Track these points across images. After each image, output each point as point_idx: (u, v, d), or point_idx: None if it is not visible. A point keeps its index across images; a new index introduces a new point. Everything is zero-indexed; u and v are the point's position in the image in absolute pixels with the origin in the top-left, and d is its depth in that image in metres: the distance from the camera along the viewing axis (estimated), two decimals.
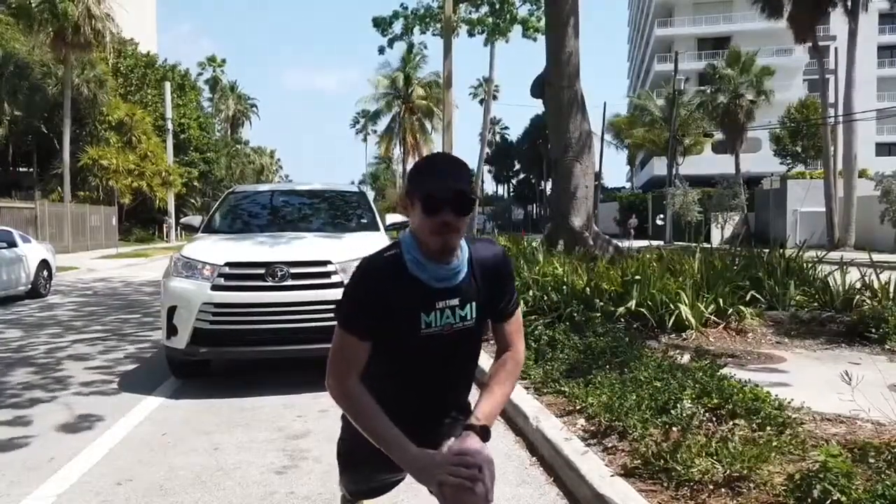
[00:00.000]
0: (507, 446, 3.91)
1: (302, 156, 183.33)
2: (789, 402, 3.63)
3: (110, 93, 33.34)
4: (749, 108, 31.88)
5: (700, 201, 30.25)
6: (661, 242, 21.47)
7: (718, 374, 4.03)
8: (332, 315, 1.82)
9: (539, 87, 11.47)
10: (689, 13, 52.65)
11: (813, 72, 37.01)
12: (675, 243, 20.69)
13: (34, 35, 28.63)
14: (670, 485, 2.88)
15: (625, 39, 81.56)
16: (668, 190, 32.74)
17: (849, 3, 23.34)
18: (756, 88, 31.95)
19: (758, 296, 7.04)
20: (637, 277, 6.60)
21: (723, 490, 2.78)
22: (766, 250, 8.25)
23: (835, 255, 9.99)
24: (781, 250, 8.14)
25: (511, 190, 73.37)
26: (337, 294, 4.76)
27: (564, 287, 7.02)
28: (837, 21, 29.44)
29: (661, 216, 34.61)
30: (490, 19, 21.22)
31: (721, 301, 6.41)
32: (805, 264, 7.84)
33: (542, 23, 17.13)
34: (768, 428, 3.30)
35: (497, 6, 20.63)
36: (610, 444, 3.47)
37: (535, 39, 20.85)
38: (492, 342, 1.95)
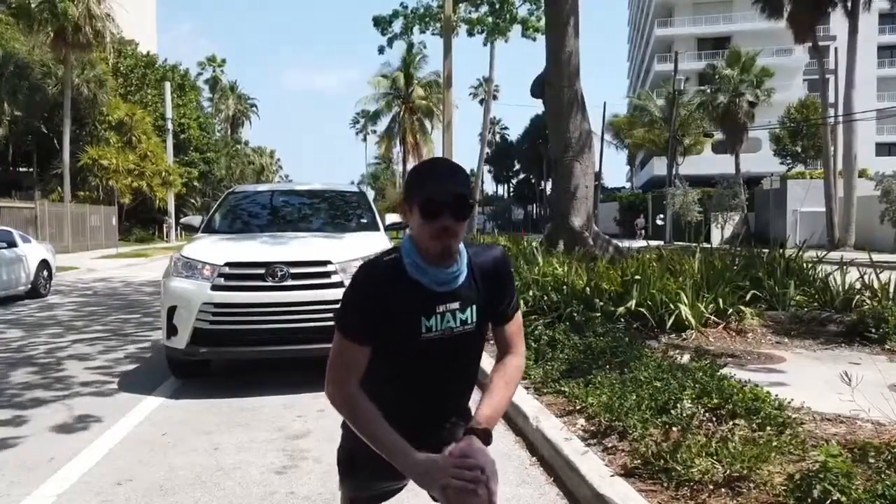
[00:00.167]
0: (507, 446, 3.91)
1: (302, 156, 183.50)
2: (789, 402, 3.63)
3: (110, 93, 33.34)
4: (749, 109, 31.88)
5: (700, 201, 30.24)
6: (661, 242, 21.47)
7: (718, 374, 4.03)
8: (332, 315, 1.82)
9: (539, 87, 11.47)
10: (689, 13, 52.64)
11: (813, 72, 37.00)
12: (675, 243, 20.69)
13: (34, 35, 28.63)
14: (670, 485, 2.88)
15: (625, 39, 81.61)
16: (668, 190, 32.74)
17: (849, 4, 23.34)
18: (756, 88, 31.95)
19: (758, 296, 7.04)
20: (637, 277, 6.60)
21: (723, 490, 2.78)
22: (766, 250, 8.25)
23: (835, 255, 9.99)
24: (781, 250, 8.14)
25: (511, 190, 73.38)
26: (337, 294, 4.79)
27: (564, 287, 7.02)
28: (837, 21, 29.46)
29: (661, 216, 34.61)
30: (490, 19, 21.24)
31: (721, 301, 6.41)
32: (805, 264, 7.84)
33: (542, 22, 17.14)
34: (768, 428, 3.30)
35: (497, 6, 20.64)
36: (610, 444, 3.47)
37: (534, 39, 20.88)
38: (492, 343, 1.95)
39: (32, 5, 27.15)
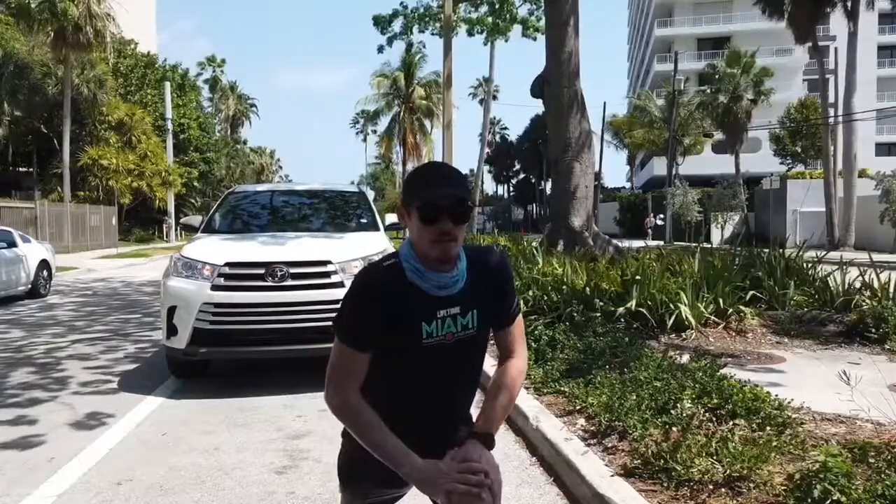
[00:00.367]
0: (507, 446, 3.90)
1: (302, 156, 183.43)
2: (789, 402, 3.63)
3: (110, 93, 33.31)
4: (749, 108, 31.87)
5: (700, 201, 30.23)
6: (661, 242, 21.47)
7: (718, 374, 4.03)
8: (332, 315, 1.81)
9: (539, 87, 11.47)
10: (689, 13, 52.65)
11: (813, 72, 37.00)
12: (675, 243, 20.68)
13: (34, 35, 28.63)
14: (670, 485, 2.88)
15: (625, 39, 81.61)
16: (668, 190, 32.73)
17: (848, 4, 23.34)
18: (756, 88, 31.94)
19: (758, 296, 7.04)
20: (637, 277, 6.60)
21: (723, 490, 2.78)
22: (766, 250, 8.25)
23: (835, 255, 9.99)
24: (781, 250, 8.13)
25: (511, 190, 73.35)
26: (337, 294, 4.79)
27: (564, 287, 7.02)
28: (837, 21, 29.42)
29: (661, 216, 34.60)
30: (490, 19, 21.23)
31: (721, 301, 6.41)
32: (805, 264, 7.83)
33: (542, 22, 17.13)
34: (768, 428, 3.30)
35: (497, 6, 20.63)
36: (610, 444, 3.47)
37: (534, 39, 20.87)
38: (493, 344, 1.94)
39: (32, 5, 27.12)
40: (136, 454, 3.89)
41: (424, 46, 45.24)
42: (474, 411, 1.90)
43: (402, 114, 48.90)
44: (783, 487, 2.68)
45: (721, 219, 29.56)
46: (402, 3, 20.57)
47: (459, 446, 1.69)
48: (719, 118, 32.72)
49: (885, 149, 49.99)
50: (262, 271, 5.13)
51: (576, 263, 7.88)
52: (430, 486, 1.62)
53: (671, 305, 6.18)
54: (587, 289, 6.82)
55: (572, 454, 3.33)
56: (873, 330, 5.84)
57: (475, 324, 1.78)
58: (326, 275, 5.19)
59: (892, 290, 6.54)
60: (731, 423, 3.37)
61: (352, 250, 5.40)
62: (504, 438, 4.02)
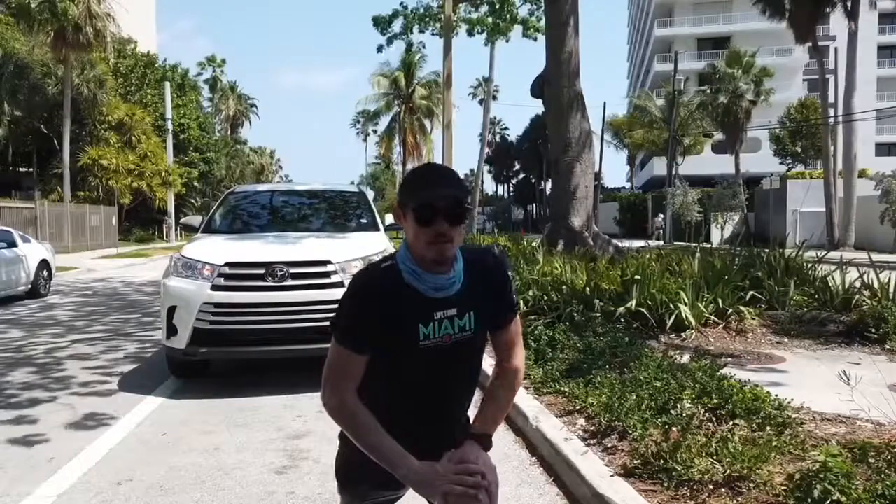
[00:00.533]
0: (507, 446, 3.91)
1: (302, 156, 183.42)
2: (789, 402, 3.63)
3: (110, 93, 33.31)
4: (749, 108, 31.87)
5: (700, 201, 30.24)
6: (661, 242, 21.46)
7: (718, 374, 4.03)
8: (332, 315, 1.80)
9: (539, 87, 11.48)
10: (689, 13, 52.65)
11: (813, 72, 37.00)
12: (675, 243, 20.68)
13: (34, 35, 28.62)
14: (670, 485, 2.88)
15: (625, 39, 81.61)
16: (668, 190, 32.73)
17: (848, 4, 23.34)
18: (756, 88, 31.94)
19: (758, 296, 7.04)
20: (637, 277, 6.60)
21: (723, 490, 2.78)
22: (766, 250, 8.25)
23: (834, 255, 9.99)
24: (781, 250, 8.13)
25: (511, 190, 73.35)
26: (337, 294, 4.78)
27: (564, 287, 7.02)
28: (837, 21, 29.43)
29: (661, 216, 34.60)
30: (490, 19, 21.23)
31: (721, 301, 6.41)
32: (805, 264, 7.83)
33: (542, 22, 17.13)
34: (768, 428, 3.30)
35: (497, 6, 20.63)
36: (610, 444, 3.47)
37: (535, 39, 20.87)
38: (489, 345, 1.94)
39: (32, 5, 27.12)
40: (136, 454, 3.89)
41: (424, 46, 45.34)
42: (473, 411, 1.90)
43: (402, 114, 48.91)
44: (783, 487, 2.68)
45: (721, 219, 29.57)
46: (402, 4, 20.58)
47: (457, 447, 1.69)
48: (719, 118, 32.72)
49: (885, 149, 49.98)
50: (262, 271, 5.13)
51: (576, 263, 7.88)
52: (427, 488, 1.63)
53: (671, 305, 6.18)
54: (587, 289, 6.82)
55: (572, 454, 3.33)
56: (873, 330, 5.84)
57: (472, 326, 1.78)
58: (326, 275, 5.19)
59: (892, 290, 6.54)
60: (731, 423, 3.37)
61: (352, 250, 5.41)
62: (504, 438, 4.02)
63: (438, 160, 25.48)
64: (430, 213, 1.62)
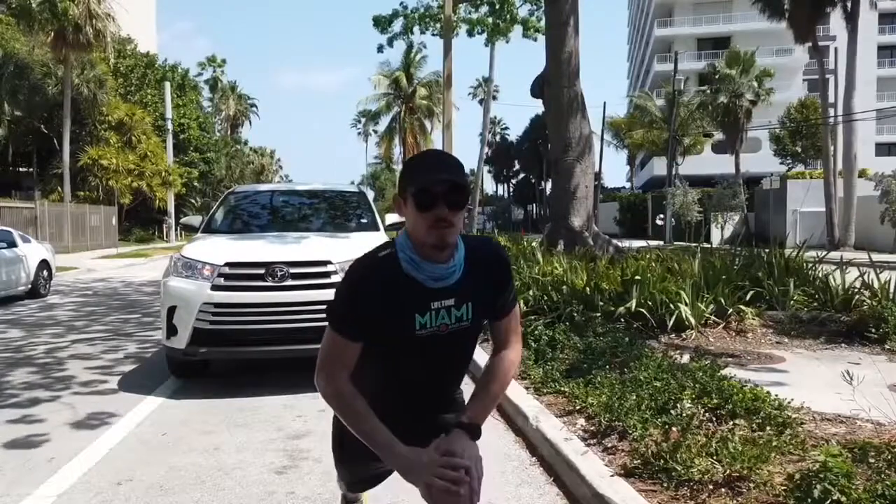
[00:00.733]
0: (507, 446, 3.91)
1: (302, 156, 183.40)
2: (789, 402, 3.63)
3: (110, 93, 33.32)
4: (749, 108, 31.87)
5: (700, 201, 30.23)
6: (661, 242, 21.46)
7: (718, 374, 4.03)
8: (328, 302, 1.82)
9: (539, 87, 11.48)
10: (689, 13, 52.65)
11: (813, 72, 37.01)
12: (675, 243, 20.67)
13: (34, 35, 28.62)
14: (670, 485, 2.88)
15: (625, 39, 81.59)
16: (668, 190, 32.72)
17: (848, 4, 23.34)
18: (756, 88, 31.94)
19: (758, 296, 7.04)
20: (637, 277, 6.60)
21: (723, 490, 2.78)
22: (766, 250, 8.25)
23: (835, 255, 9.99)
24: (781, 250, 8.13)
25: (511, 190, 73.34)
26: None
27: (564, 287, 7.02)
28: (837, 21, 29.40)
29: (661, 216, 34.58)
30: (490, 19, 21.21)
31: (721, 301, 6.41)
32: (805, 264, 7.83)
33: (542, 23, 17.12)
34: (768, 428, 3.30)
35: (497, 6, 20.60)
36: (610, 444, 3.47)
37: (535, 39, 20.84)
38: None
39: (33, 5, 27.12)
40: (136, 454, 3.89)
41: (425, 47, 45.19)
42: (464, 394, 1.91)
43: (402, 114, 48.93)
44: (783, 487, 2.68)
45: (721, 219, 29.56)
46: (402, 4, 20.54)
47: (446, 433, 1.70)
48: (719, 118, 32.71)
49: (885, 149, 49.98)
50: (262, 271, 5.13)
51: (576, 263, 7.88)
52: (411, 476, 1.65)
53: (671, 305, 6.18)
54: (587, 289, 6.82)
55: (572, 454, 3.33)
56: (873, 330, 5.84)
57: (469, 316, 1.78)
58: (326, 275, 5.19)
59: (892, 290, 6.54)
60: (731, 423, 3.37)
61: (352, 250, 5.39)
62: (504, 438, 4.03)
63: None
64: (429, 197, 1.62)
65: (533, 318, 6.37)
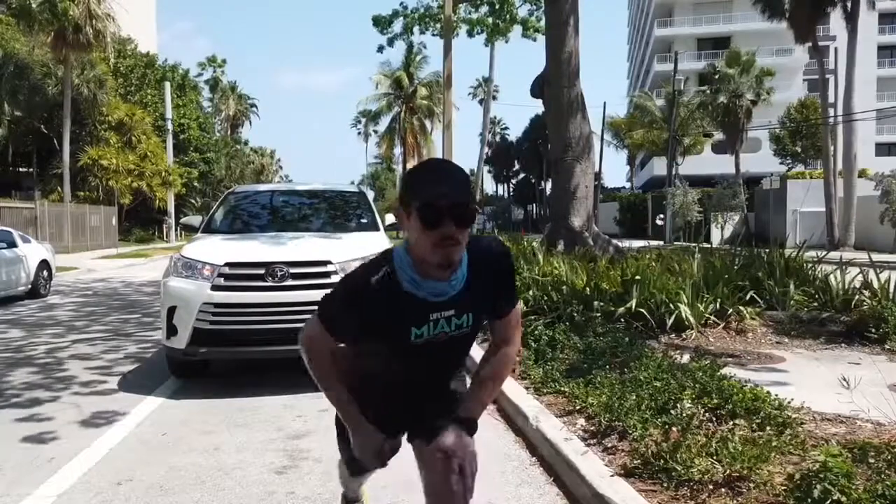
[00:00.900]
0: (507, 446, 3.91)
1: (302, 156, 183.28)
2: (789, 402, 3.63)
3: (110, 93, 33.32)
4: (749, 108, 31.86)
5: (700, 201, 30.23)
6: (661, 242, 21.46)
7: (718, 374, 4.03)
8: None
9: (539, 87, 11.47)
10: (689, 13, 52.66)
11: (813, 72, 37.01)
12: (675, 243, 20.67)
13: (34, 35, 28.62)
14: (670, 485, 2.88)
15: (625, 39, 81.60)
16: (668, 190, 32.72)
17: (848, 4, 23.34)
18: (756, 88, 31.94)
19: (758, 296, 7.04)
20: (637, 277, 6.60)
21: (723, 490, 2.78)
22: (766, 250, 8.24)
23: (835, 255, 9.99)
24: (781, 250, 8.13)
25: (511, 190, 73.33)
26: None
27: (564, 287, 7.02)
28: (837, 21, 29.41)
29: (661, 216, 34.58)
30: (490, 19, 21.21)
31: (721, 301, 6.41)
32: (805, 264, 7.83)
33: (542, 23, 17.12)
34: (768, 428, 3.30)
35: (497, 6, 20.60)
36: (610, 444, 3.47)
37: (535, 39, 20.84)
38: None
39: (33, 6, 27.12)
40: (136, 454, 3.89)
41: (425, 47, 45.36)
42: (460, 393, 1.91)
43: (402, 114, 48.94)
44: (783, 487, 2.69)
45: (721, 219, 29.56)
46: (402, 4, 20.55)
47: (442, 427, 1.70)
48: (719, 118, 32.70)
49: (885, 149, 49.98)
50: (262, 271, 5.13)
51: (576, 263, 7.88)
52: (360, 450, 1.73)
53: (671, 305, 6.18)
54: (587, 289, 6.82)
55: (572, 454, 3.33)
56: (873, 330, 5.84)
57: (469, 323, 1.76)
58: (326, 275, 5.19)
59: (892, 290, 6.54)
60: (731, 423, 3.37)
61: (352, 250, 5.40)
62: (504, 438, 4.03)
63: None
64: (436, 214, 1.53)
65: (533, 318, 6.36)
